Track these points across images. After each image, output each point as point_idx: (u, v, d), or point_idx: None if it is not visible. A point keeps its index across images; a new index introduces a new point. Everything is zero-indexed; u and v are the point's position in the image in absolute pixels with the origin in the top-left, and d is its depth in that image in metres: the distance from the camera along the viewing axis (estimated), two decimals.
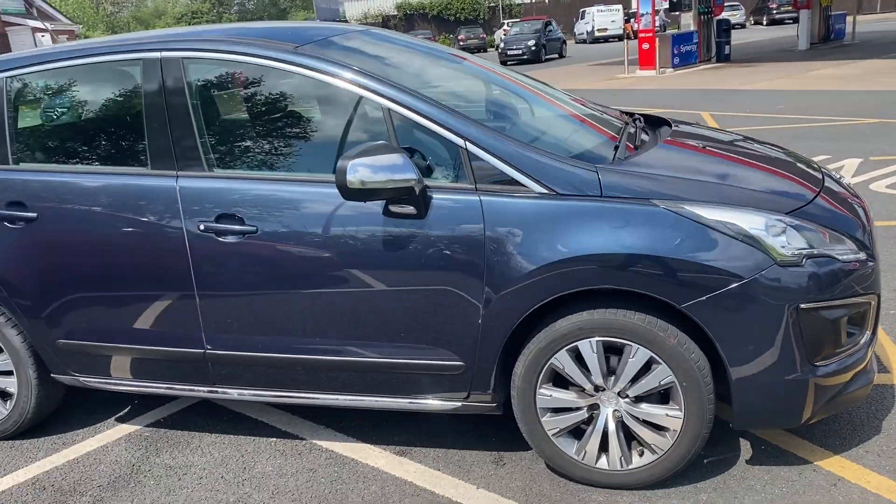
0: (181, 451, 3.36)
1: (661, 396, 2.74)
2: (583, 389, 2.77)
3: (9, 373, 3.46)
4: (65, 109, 3.33)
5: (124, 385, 3.33)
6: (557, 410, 2.82)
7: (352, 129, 2.98)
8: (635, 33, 21.85)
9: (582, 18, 44.02)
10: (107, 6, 68.69)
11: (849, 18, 25.87)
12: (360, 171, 2.57)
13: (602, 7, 42.85)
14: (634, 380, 2.70)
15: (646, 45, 20.36)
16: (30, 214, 3.15)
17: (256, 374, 3.11)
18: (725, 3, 27.68)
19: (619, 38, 40.24)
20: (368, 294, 2.84)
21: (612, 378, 2.73)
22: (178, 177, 2.99)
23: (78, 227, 3.11)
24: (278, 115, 3.12)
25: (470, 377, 2.84)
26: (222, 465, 3.23)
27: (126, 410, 3.78)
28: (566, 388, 2.80)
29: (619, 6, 42.20)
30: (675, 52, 20.94)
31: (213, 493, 3.05)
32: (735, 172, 3.00)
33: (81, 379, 3.38)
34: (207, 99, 3.12)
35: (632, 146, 3.10)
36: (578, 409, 2.80)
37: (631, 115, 3.75)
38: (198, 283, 2.99)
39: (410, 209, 2.70)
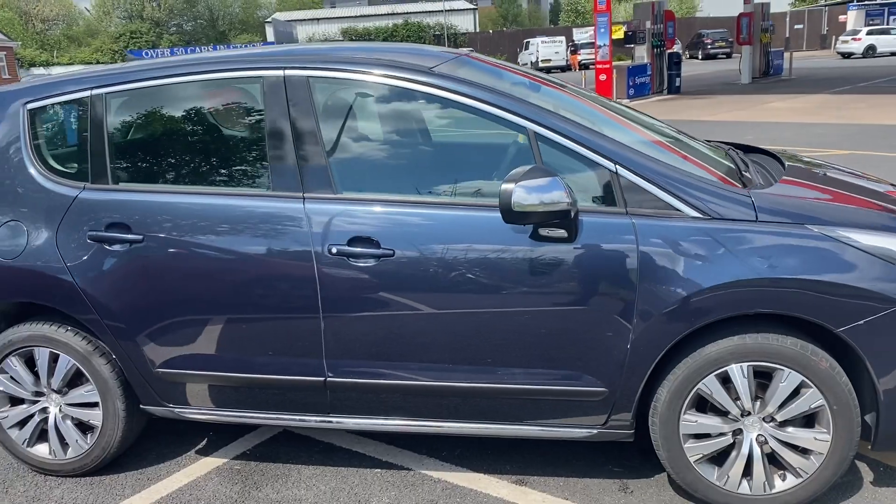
0: (283, 485, 3.22)
1: (806, 420, 2.76)
2: (727, 414, 2.77)
3: (93, 404, 3.25)
4: (170, 128, 3.18)
5: (226, 416, 3.17)
6: (700, 436, 2.82)
7: (491, 151, 2.94)
8: (582, 65, 22.34)
9: (526, 49, 44.93)
10: (36, 23, 66.64)
11: (786, 55, 27.11)
12: (524, 194, 2.53)
13: (545, 38, 43.87)
14: (783, 404, 2.72)
15: (603, 77, 20.84)
16: (135, 236, 2.99)
17: (378, 403, 3.01)
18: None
19: (563, 68, 41.30)
20: (508, 319, 2.78)
21: (759, 402, 2.74)
22: (304, 199, 2.89)
23: (189, 250, 2.96)
24: (410, 136, 3.06)
25: (611, 404, 2.81)
26: (333, 499, 3.10)
27: (204, 443, 3.60)
28: (710, 414, 2.79)
29: (563, 38, 43.28)
30: (631, 83, 21.54)
31: None
32: (865, 199, 3.05)
33: (177, 410, 3.20)
34: (335, 119, 3.03)
35: (766, 175, 3.12)
36: (723, 434, 2.80)
37: (730, 145, 3.81)
38: (324, 308, 2.88)
39: (561, 233, 2.67)
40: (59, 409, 3.29)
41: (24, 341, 3.22)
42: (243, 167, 3.06)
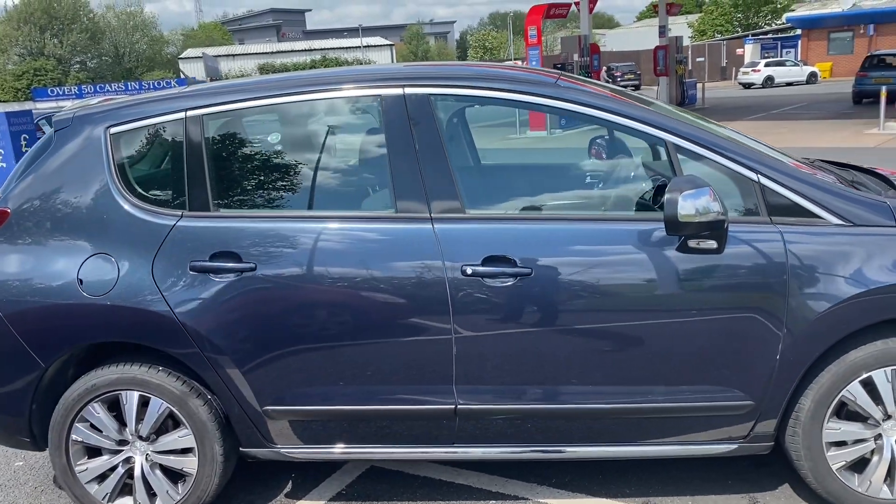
0: None
1: None
2: (867, 420, 2.79)
3: (187, 450, 3.00)
4: (278, 150, 3.01)
5: (340, 453, 2.98)
6: (841, 444, 2.82)
7: (626, 163, 2.90)
8: None
9: None
10: None
11: (699, 85, 28.41)
12: (688, 205, 2.51)
13: None
14: None
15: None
16: (246, 265, 2.80)
17: (507, 429, 2.89)
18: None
19: None
20: (653, 335, 2.74)
21: None
22: (432, 220, 2.78)
23: (307, 278, 2.79)
24: (539, 152, 2.98)
25: (755, 417, 2.79)
26: None
27: (290, 486, 3.37)
28: (852, 420, 2.81)
29: None
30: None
31: None
32: None
33: (283, 451, 2.99)
34: (458, 137, 2.94)
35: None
36: (864, 440, 2.81)
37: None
38: (457, 332, 2.76)
39: (711, 244, 2.65)
40: (146, 458, 3.02)
41: (110, 385, 2.94)
42: (362, 189, 2.92)
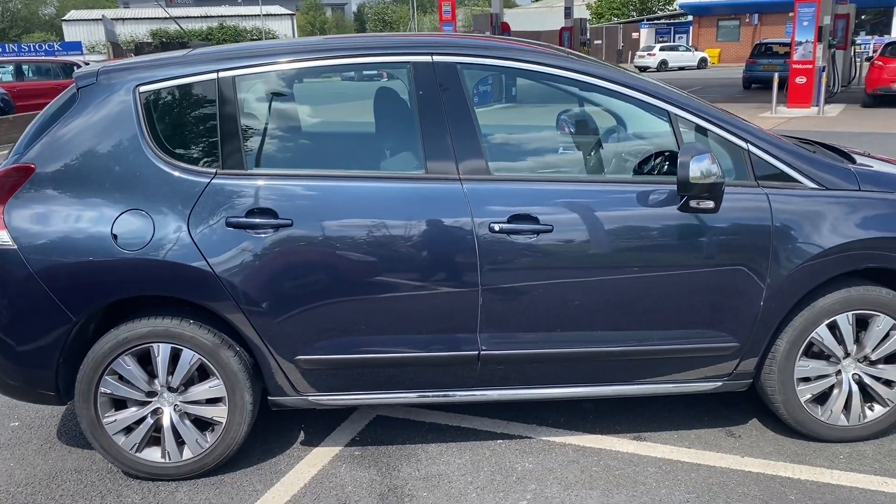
0: (418, 463, 3.27)
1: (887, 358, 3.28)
2: (830, 358, 3.23)
3: (216, 400, 3.13)
4: (309, 112, 3.14)
5: (365, 398, 3.19)
6: (807, 380, 3.26)
7: (632, 132, 3.20)
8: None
9: None
10: None
11: None
12: (699, 168, 2.83)
13: None
14: (878, 345, 3.22)
15: (801, 79, 17.33)
16: (282, 221, 2.94)
17: (523, 373, 3.17)
18: None
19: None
20: (655, 286, 3.07)
21: (857, 346, 3.23)
22: (461, 180, 3.00)
23: (342, 233, 2.96)
24: (556, 119, 3.25)
25: (740, 356, 3.18)
26: (477, 469, 3.21)
27: (302, 435, 3.55)
28: (818, 359, 3.24)
29: None
30: (475, 91, 22.16)
31: (502, 494, 3.04)
32: None
33: (311, 398, 3.17)
34: (483, 104, 3.15)
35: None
36: (827, 376, 3.26)
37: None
38: (483, 284, 3.00)
39: (709, 204, 3.00)
40: (175, 409, 3.13)
41: (141, 338, 3.03)
42: (393, 151, 3.10)
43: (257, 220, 2.94)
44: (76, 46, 42.76)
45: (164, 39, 47.55)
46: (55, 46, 43.90)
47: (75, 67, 22.20)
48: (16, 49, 44.16)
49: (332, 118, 3.16)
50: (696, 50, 43.19)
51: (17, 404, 3.83)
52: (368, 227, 2.97)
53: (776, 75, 17.36)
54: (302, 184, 2.99)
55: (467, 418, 3.64)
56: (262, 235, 2.94)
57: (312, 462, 3.31)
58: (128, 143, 2.99)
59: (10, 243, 2.92)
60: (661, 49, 41.72)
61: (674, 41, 47.30)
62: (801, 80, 17.31)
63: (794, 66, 17.44)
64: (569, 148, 3.26)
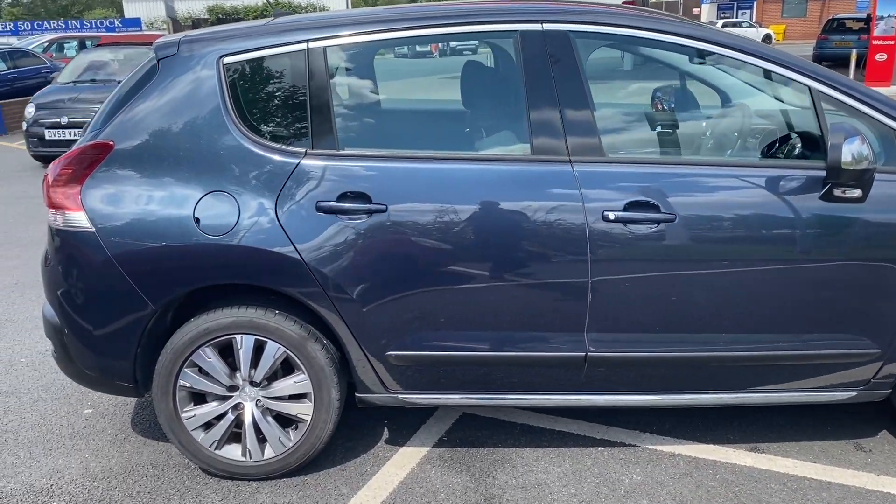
0: (513, 470, 3.02)
1: None
2: None
3: (301, 396, 2.91)
4: (409, 87, 2.88)
5: (459, 399, 2.94)
6: None
7: (770, 110, 2.87)
8: None
9: None
10: None
11: None
12: (851, 151, 2.49)
13: None
14: None
15: (882, 56, 16.46)
16: (376, 206, 2.69)
17: (632, 377, 2.88)
18: None
19: None
20: (790, 283, 2.74)
21: None
22: (571, 162, 2.70)
23: (440, 219, 2.70)
24: (683, 94, 2.93)
25: (881, 363, 2.84)
26: (580, 480, 2.94)
27: (386, 433, 3.32)
28: None
29: None
30: None
31: None
32: None
33: (401, 396, 2.93)
34: (598, 77, 2.85)
35: None
36: None
37: None
38: (593, 278, 2.71)
39: (856, 192, 2.65)
40: (257, 404, 2.92)
41: (224, 329, 2.82)
42: (496, 128, 2.82)
43: (350, 205, 2.69)
44: (136, 23, 43.31)
45: (220, 16, 47.78)
46: (115, 23, 44.50)
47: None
48: (78, 25, 45.00)
49: (426, 94, 2.87)
50: (760, 26, 41.78)
51: (90, 391, 3.68)
52: (466, 213, 2.69)
53: (853, 52, 16.53)
54: (398, 165, 2.73)
55: (561, 420, 3.37)
56: (355, 221, 2.70)
57: (400, 463, 3.08)
58: (212, 119, 2.76)
59: (88, 225, 2.73)
60: (724, 25, 40.39)
61: (736, 17, 45.84)
62: (881, 56, 16.46)
63: (875, 41, 16.59)
64: (689, 127, 2.93)
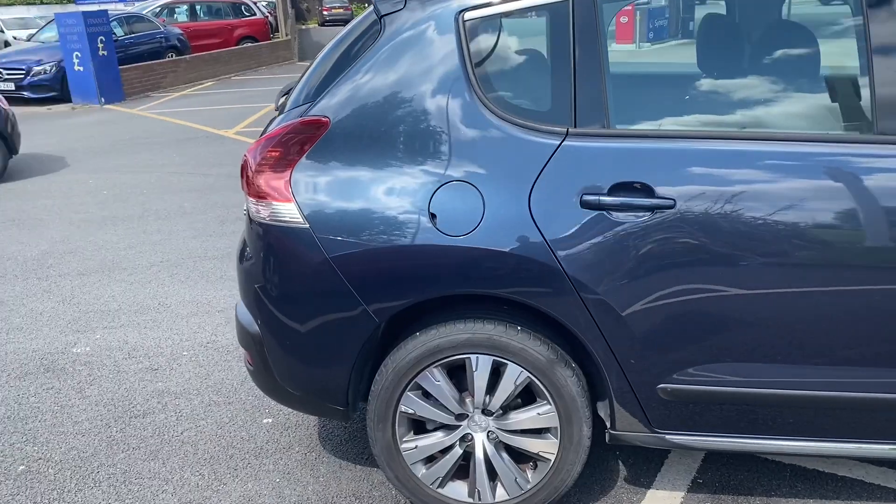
0: None
1: None
2: None
3: (542, 431, 2.38)
4: (703, 43, 2.27)
5: (746, 443, 2.33)
6: None
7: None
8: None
9: None
10: None
11: None
12: None
13: None
14: None
15: (624, 19, 19.61)
16: (661, 201, 2.09)
17: None
18: None
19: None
20: None
21: None
22: None
23: (746, 219, 2.07)
24: None
25: None
26: None
27: (624, 471, 2.77)
28: None
29: None
30: (650, 26, 20.38)
31: None
32: None
33: (670, 437, 2.35)
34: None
35: None
36: None
37: None
38: None
39: None
40: (488, 436, 2.41)
41: (456, 347, 2.31)
42: (821, 101, 2.18)
43: (625, 199, 2.10)
44: None
45: None
46: None
47: (243, 7, 22.34)
48: None
49: (734, 53, 2.25)
50: None
51: (265, 396, 3.27)
52: (784, 211, 2.06)
53: None
54: (690, 147, 2.12)
55: (839, 462, 2.74)
56: (633, 219, 2.11)
57: None
58: (449, 90, 2.21)
59: (301, 221, 2.25)
60: None
61: None
62: None
63: None
64: None
